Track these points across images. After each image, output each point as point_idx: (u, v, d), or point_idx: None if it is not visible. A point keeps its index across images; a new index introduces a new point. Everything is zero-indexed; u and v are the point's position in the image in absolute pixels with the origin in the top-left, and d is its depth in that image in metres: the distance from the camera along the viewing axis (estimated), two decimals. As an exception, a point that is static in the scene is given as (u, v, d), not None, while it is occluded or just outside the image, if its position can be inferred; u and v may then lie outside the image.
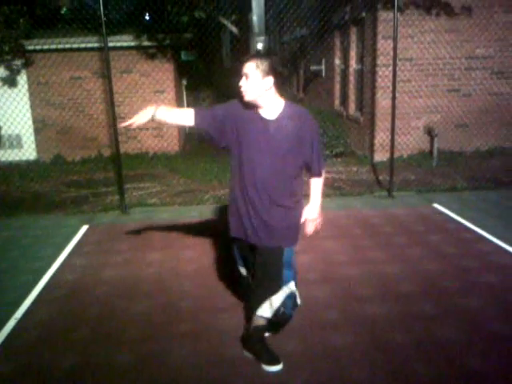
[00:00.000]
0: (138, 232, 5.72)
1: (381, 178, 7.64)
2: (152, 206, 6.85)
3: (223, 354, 3.27)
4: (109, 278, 4.52)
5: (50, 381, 3.08)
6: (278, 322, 3.20)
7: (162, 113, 3.09)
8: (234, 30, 9.56)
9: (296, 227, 3.12)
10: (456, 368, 3.04)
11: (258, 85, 2.86)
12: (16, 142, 10.25)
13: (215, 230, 5.64)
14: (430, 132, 8.73)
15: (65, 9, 11.20)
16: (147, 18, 11.10)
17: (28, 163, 9.86)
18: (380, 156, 8.70)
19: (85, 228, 5.95)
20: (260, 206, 2.97)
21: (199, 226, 5.85)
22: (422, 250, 4.93)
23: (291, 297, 3.10)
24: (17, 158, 9.74)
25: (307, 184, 3.15)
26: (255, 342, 3.17)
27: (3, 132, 10.03)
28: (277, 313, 3.05)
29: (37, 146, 10.28)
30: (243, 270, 3.36)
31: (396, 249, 4.98)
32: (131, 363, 3.21)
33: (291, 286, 3.10)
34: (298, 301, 3.19)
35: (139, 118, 3.06)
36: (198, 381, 3.02)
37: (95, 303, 4.06)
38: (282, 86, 2.99)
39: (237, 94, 2.98)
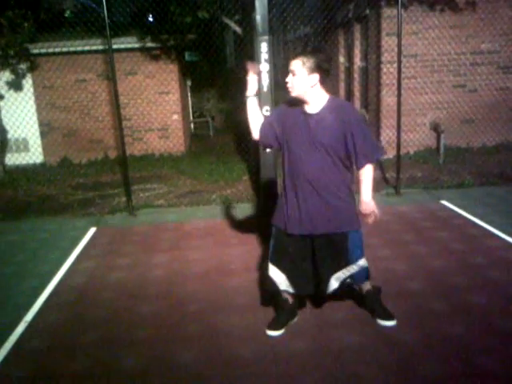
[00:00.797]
0: (145, 234, 5.74)
1: (387, 175, 7.61)
2: (159, 207, 6.86)
3: (231, 355, 3.27)
4: (117, 281, 4.53)
5: (60, 384, 3.10)
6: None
7: (255, 102, 3.26)
8: (238, 29, 9.55)
9: (348, 213, 3.21)
10: (465, 365, 3.03)
11: (303, 81, 2.98)
12: (23, 145, 10.29)
13: (222, 231, 5.64)
14: (436, 128, 8.68)
15: (69, 12, 11.23)
16: (151, 19, 11.11)
17: (35, 166, 9.90)
18: (386, 153, 8.66)
19: (92, 230, 5.97)
20: (309, 198, 3.09)
21: (206, 227, 5.85)
22: (430, 246, 4.91)
23: (361, 271, 3.33)
24: (24, 162, 9.78)
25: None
26: (370, 302, 3.53)
27: (10, 136, 10.07)
28: (343, 283, 3.29)
29: (43, 149, 10.32)
30: (282, 278, 3.35)
31: (404, 246, 4.96)
32: (140, 366, 3.22)
33: (360, 263, 3.30)
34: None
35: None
36: (205, 382, 3.02)
37: (103, 306, 4.07)
38: (327, 81, 3.08)
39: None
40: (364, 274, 3.39)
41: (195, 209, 6.67)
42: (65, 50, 9.62)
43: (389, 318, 3.48)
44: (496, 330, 3.40)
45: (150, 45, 9.93)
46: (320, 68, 2.98)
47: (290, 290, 3.36)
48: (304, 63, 2.95)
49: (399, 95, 6.62)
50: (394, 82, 7.29)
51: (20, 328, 3.78)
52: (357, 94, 10.11)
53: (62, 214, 6.75)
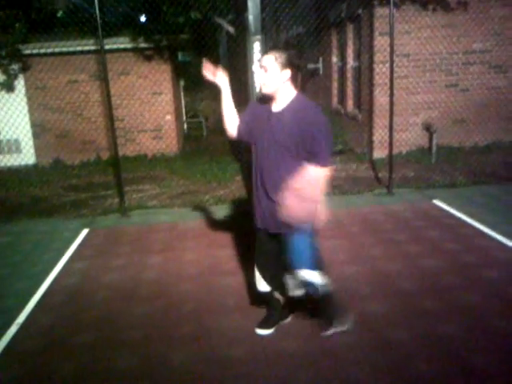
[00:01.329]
0: (138, 235, 5.72)
1: (380, 175, 7.63)
2: (152, 208, 6.84)
3: (225, 355, 3.27)
4: (110, 282, 4.52)
5: (53, 386, 3.09)
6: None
7: (228, 98, 3.21)
8: (230, 29, 9.56)
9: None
10: (458, 364, 3.04)
11: (275, 77, 2.90)
12: (15, 146, 10.24)
13: (216, 232, 5.63)
14: (428, 128, 8.72)
15: (61, 12, 11.18)
16: (143, 19, 11.08)
17: (27, 168, 9.87)
18: (379, 153, 8.69)
19: (85, 232, 5.95)
20: (271, 195, 3.05)
21: (199, 228, 5.84)
22: (423, 246, 4.92)
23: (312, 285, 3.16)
24: (16, 163, 9.75)
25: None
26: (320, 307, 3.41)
27: (2, 137, 10.02)
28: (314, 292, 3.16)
29: (36, 150, 10.28)
30: (264, 286, 3.36)
31: (396, 246, 4.98)
32: (133, 367, 3.21)
33: (306, 272, 3.13)
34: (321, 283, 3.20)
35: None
36: (198, 383, 3.01)
37: (96, 307, 4.06)
38: (298, 78, 3.02)
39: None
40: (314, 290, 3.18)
41: (188, 209, 6.66)
42: (57, 50, 9.59)
43: (327, 327, 3.38)
44: (489, 329, 3.41)
45: (142, 45, 9.91)
46: (292, 64, 2.90)
47: (270, 290, 3.37)
48: (276, 58, 2.88)
49: (391, 95, 6.64)
50: (387, 81, 7.30)
51: (12, 330, 3.76)
52: (350, 93, 10.12)
53: (55, 215, 6.72)
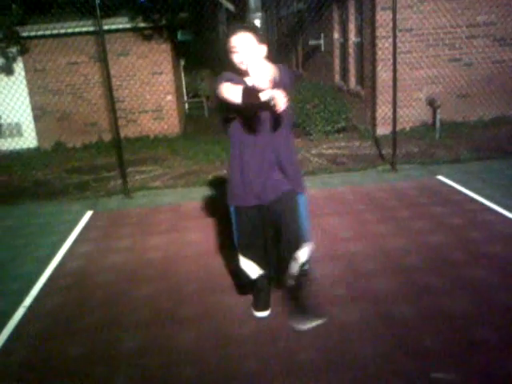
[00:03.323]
0: (141, 216, 5.72)
1: (384, 151, 7.58)
2: (155, 189, 6.83)
3: (229, 335, 3.28)
4: (114, 264, 4.53)
5: (60, 369, 3.10)
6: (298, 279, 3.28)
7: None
8: (230, 6, 9.42)
9: (301, 176, 3.24)
10: (463, 339, 3.04)
11: (255, 52, 2.93)
12: (16, 130, 10.20)
13: (219, 212, 5.62)
14: (432, 103, 8.63)
15: (58, -7, 11.02)
16: (141, -2, 10.92)
17: (29, 151, 9.85)
18: (382, 130, 8.62)
19: (89, 214, 5.95)
20: (267, 165, 3.06)
21: (203, 208, 5.83)
22: (427, 222, 4.90)
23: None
24: (17, 147, 9.71)
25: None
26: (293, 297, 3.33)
27: (2, 121, 9.98)
28: (302, 269, 3.16)
29: (37, 133, 10.23)
30: (258, 270, 3.32)
31: (401, 222, 4.96)
32: (138, 348, 3.23)
33: (310, 244, 3.22)
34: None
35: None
36: (204, 363, 3.03)
37: (101, 289, 4.07)
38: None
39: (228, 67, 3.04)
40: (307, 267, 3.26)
41: (191, 190, 6.64)
42: (55, 32, 9.47)
43: (304, 321, 3.24)
44: (494, 304, 3.41)
45: (141, 25, 9.78)
46: (264, 41, 3.01)
47: (262, 272, 3.34)
48: (253, 35, 2.95)
49: (395, 70, 6.55)
50: (390, 56, 7.20)
51: (19, 313, 3.78)
52: (352, 70, 10.01)
53: (58, 198, 6.72)
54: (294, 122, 3.17)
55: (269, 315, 3.45)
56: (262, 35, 3.01)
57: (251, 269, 3.34)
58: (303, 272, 3.19)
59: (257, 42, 2.95)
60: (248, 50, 2.93)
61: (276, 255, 3.26)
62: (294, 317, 3.28)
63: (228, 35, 2.99)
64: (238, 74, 3.02)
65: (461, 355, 2.91)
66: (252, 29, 3.00)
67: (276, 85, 2.71)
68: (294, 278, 3.17)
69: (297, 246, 3.11)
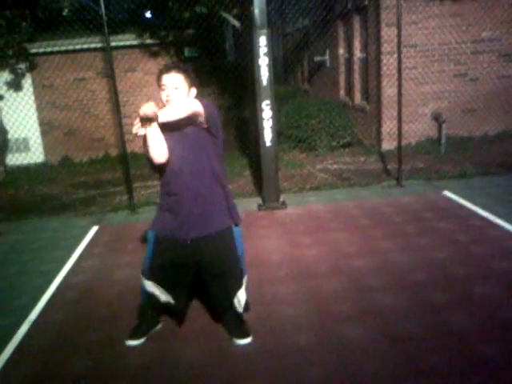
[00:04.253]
0: (147, 231, 5.72)
1: (389, 167, 7.58)
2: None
3: (234, 351, 3.26)
4: (120, 279, 4.53)
5: (66, 383, 3.10)
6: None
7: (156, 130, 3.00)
8: (236, 23, 9.51)
9: (233, 209, 3.20)
10: (470, 357, 3.01)
11: (184, 96, 2.97)
12: (23, 145, 10.29)
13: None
14: (437, 118, 8.64)
15: (66, 10, 11.20)
16: (148, 15, 11.07)
17: (36, 166, 9.92)
18: (388, 145, 8.62)
19: (95, 229, 5.97)
20: (198, 199, 3.05)
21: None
22: (433, 237, 4.88)
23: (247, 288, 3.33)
24: (25, 162, 9.80)
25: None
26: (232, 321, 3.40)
27: (10, 136, 10.08)
28: (246, 306, 3.33)
29: (44, 148, 10.33)
30: (164, 296, 3.26)
31: (406, 238, 4.94)
32: (144, 364, 3.21)
33: (246, 278, 3.30)
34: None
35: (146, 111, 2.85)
36: (210, 379, 3.01)
37: (107, 304, 4.07)
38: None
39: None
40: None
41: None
42: (63, 48, 9.61)
43: (245, 335, 3.34)
44: (501, 320, 3.38)
45: (148, 41, 9.91)
46: (194, 84, 3.04)
47: (171, 300, 3.30)
48: (185, 77, 2.98)
49: (400, 86, 6.58)
50: (395, 72, 7.24)
51: (24, 327, 3.78)
52: (357, 85, 10.05)
53: (64, 213, 6.75)
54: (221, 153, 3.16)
55: (138, 345, 3.39)
56: (193, 78, 3.03)
57: (161, 293, 3.25)
58: (246, 309, 3.35)
59: (186, 85, 2.98)
60: (175, 90, 2.95)
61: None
62: (234, 333, 3.35)
63: (160, 72, 3.01)
64: None
65: (467, 372, 2.88)
66: (184, 70, 3.00)
67: (194, 116, 2.85)
68: (240, 313, 3.32)
69: (235, 290, 3.20)
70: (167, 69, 2.99)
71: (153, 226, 3.22)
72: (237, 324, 3.38)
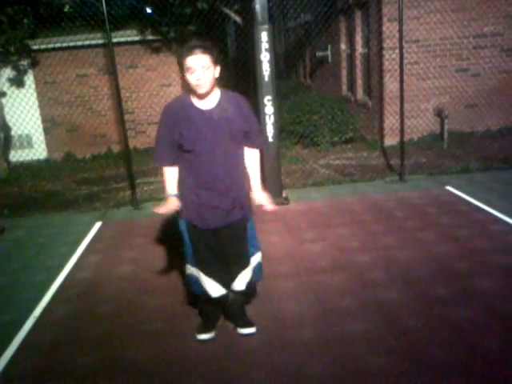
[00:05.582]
0: (150, 227, 5.75)
1: (392, 162, 7.59)
2: (163, 200, 6.84)
3: (241, 345, 3.29)
4: (124, 274, 4.56)
5: (70, 378, 3.12)
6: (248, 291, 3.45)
7: (172, 186, 3.27)
8: (238, 19, 9.50)
9: (250, 199, 3.27)
10: (473, 350, 3.03)
11: (213, 76, 2.93)
12: (26, 142, 10.32)
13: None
14: (439, 114, 8.63)
15: (67, 7, 11.19)
16: (149, 11, 11.05)
17: (39, 162, 9.94)
18: (390, 140, 8.62)
19: (98, 225, 5.99)
20: (226, 189, 3.08)
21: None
22: (435, 233, 4.89)
23: (259, 266, 3.41)
24: (28, 158, 9.81)
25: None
26: (236, 311, 3.43)
27: (13, 133, 10.10)
28: (249, 284, 3.34)
29: (47, 145, 10.35)
30: (219, 290, 3.27)
31: (409, 233, 4.95)
32: (149, 359, 3.24)
33: (258, 257, 3.37)
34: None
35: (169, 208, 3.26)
36: (217, 374, 3.04)
37: (111, 299, 4.09)
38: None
39: (188, 90, 3.03)
40: (259, 271, 3.43)
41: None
42: (65, 45, 9.61)
43: (250, 325, 3.39)
44: (501, 315, 3.39)
45: (150, 37, 9.90)
46: (218, 62, 2.98)
47: (220, 291, 3.30)
48: (211, 57, 2.89)
49: (402, 81, 6.58)
50: (397, 67, 7.23)
51: (29, 323, 3.81)
52: (359, 80, 10.04)
53: (68, 209, 6.77)
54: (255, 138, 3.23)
55: (209, 339, 3.37)
56: (217, 55, 2.94)
57: (212, 287, 3.26)
58: (250, 286, 3.38)
59: (212, 64, 2.90)
60: (206, 72, 2.88)
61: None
62: (235, 320, 3.43)
63: (183, 54, 2.90)
64: (192, 95, 3.02)
65: (470, 365, 2.90)
66: (210, 49, 2.91)
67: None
68: (241, 293, 3.37)
69: (243, 266, 3.27)
70: (191, 49, 2.86)
71: (182, 214, 3.24)
72: (241, 314, 3.44)
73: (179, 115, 3.03)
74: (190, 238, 3.22)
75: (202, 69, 2.86)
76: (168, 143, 3.09)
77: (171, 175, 3.21)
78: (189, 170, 3.09)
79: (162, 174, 3.31)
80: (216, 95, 3.05)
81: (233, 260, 3.24)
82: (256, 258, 3.37)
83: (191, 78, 2.89)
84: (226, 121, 3.02)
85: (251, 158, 3.23)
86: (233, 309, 3.43)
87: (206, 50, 2.88)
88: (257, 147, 3.24)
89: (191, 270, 3.31)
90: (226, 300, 3.36)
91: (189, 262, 3.31)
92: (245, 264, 3.28)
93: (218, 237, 3.19)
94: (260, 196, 3.26)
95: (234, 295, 3.37)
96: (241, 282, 3.28)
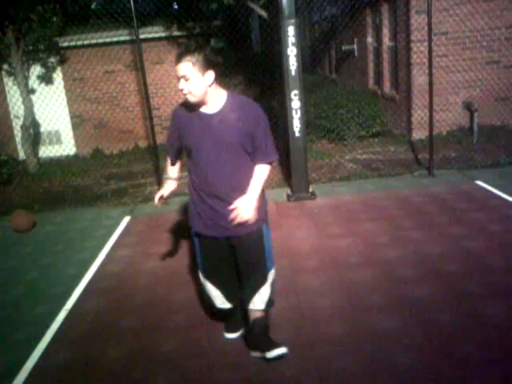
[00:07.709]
0: (178, 221, 5.80)
1: (420, 156, 7.48)
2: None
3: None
4: (152, 268, 4.61)
5: (100, 370, 3.18)
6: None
7: (171, 170, 3.37)
8: (263, 13, 9.46)
9: (263, 208, 3.03)
10: (504, 348, 2.97)
11: (200, 83, 2.72)
12: (55, 138, 10.50)
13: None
14: (469, 107, 8.46)
15: (95, 4, 11.34)
16: (175, 7, 11.11)
17: (68, 158, 10.12)
18: (418, 134, 8.50)
19: (127, 219, 6.07)
20: (226, 198, 2.89)
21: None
22: (466, 228, 4.81)
23: (274, 283, 3.12)
24: (57, 154, 9.99)
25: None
26: (258, 334, 3.10)
27: (43, 129, 10.29)
28: (268, 303, 3.08)
29: (75, 141, 10.52)
30: (223, 302, 3.17)
31: (438, 228, 4.88)
32: (178, 350, 3.27)
33: (273, 272, 3.10)
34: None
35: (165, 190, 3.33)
36: (244, 367, 3.05)
37: (140, 293, 4.15)
38: (221, 76, 2.85)
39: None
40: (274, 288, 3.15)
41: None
42: (93, 42, 9.75)
43: (278, 346, 3.01)
44: (537, 312, 3.33)
45: (176, 33, 9.95)
46: (211, 63, 2.73)
47: (226, 305, 3.20)
48: (194, 64, 2.67)
49: (430, 74, 6.47)
50: (425, 60, 7.12)
51: (61, 316, 3.89)
52: (386, 74, 9.91)
53: (97, 203, 6.88)
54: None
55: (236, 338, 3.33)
56: (206, 59, 2.70)
57: (216, 297, 3.17)
58: (269, 304, 3.10)
59: (197, 71, 2.68)
60: (187, 82, 2.71)
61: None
62: (258, 346, 3.08)
63: (174, 62, 2.77)
64: (186, 106, 2.91)
65: (503, 364, 2.85)
66: (192, 55, 2.68)
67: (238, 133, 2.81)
68: (259, 313, 3.10)
69: (260, 283, 3.02)
70: (176, 58, 2.73)
71: (191, 223, 3.13)
72: (264, 337, 3.09)
73: (181, 121, 2.95)
74: (196, 245, 3.15)
75: (182, 79, 2.72)
76: (173, 144, 3.14)
77: (172, 166, 3.35)
78: (194, 173, 3.02)
79: (184, 170, 3.31)
80: (220, 99, 2.84)
81: (247, 274, 3.03)
82: (271, 275, 3.08)
83: (179, 85, 2.76)
84: (225, 128, 2.82)
85: (256, 169, 2.96)
86: (254, 333, 3.11)
87: (186, 57, 2.68)
88: (259, 162, 2.95)
89: (200, 276, 3.23)
90: (235, 314, 3.28)
91: (201, 272, 3.22)
92: (262, 279, 3.02)
93: (230, 247, 3.04)
94: (243, 209, 2.83)
95: (254, 317, 3.11)
96: (259, 301, 3.04)
